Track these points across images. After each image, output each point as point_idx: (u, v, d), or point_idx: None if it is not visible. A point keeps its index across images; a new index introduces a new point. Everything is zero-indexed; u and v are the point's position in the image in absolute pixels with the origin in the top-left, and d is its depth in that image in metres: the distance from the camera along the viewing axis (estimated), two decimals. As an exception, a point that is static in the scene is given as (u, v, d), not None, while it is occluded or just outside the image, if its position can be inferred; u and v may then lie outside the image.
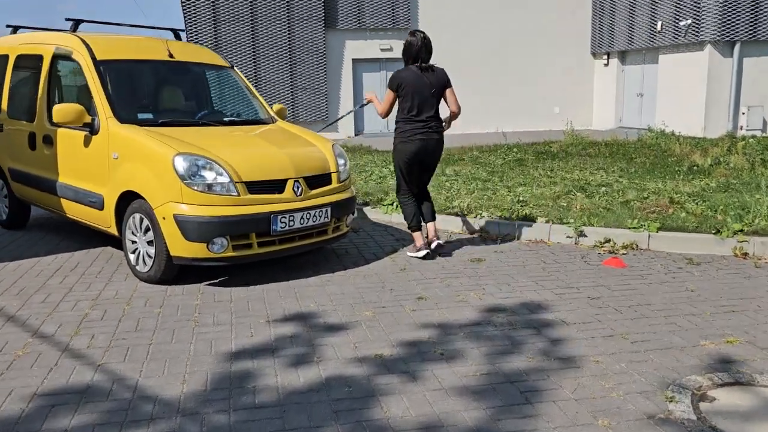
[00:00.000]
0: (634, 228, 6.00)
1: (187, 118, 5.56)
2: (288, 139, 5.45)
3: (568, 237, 6.12)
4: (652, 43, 18.30)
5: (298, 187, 4.88)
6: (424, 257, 5.48)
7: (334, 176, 5.25)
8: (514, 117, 20.15)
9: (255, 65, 18.93)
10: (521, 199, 7.52)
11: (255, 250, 4.71)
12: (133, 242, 4.87)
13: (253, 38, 18.84)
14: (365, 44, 19.95)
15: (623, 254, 5.68)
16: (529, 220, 6.47)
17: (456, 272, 5.15)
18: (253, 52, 18.89)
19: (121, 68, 5.43)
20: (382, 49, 20.01)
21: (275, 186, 4.78)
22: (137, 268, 4.87)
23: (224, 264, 4.69)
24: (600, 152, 12.75)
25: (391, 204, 7.24)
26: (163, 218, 4.52)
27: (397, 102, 5.42)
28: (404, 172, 5.44)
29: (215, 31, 18.56)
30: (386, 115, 5.45)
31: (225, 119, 5.71)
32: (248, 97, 6.19)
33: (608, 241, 5.95)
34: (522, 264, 5.39)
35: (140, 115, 5.22)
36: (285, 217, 4.74)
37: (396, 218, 7.07)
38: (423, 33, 5.38)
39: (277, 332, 3.86)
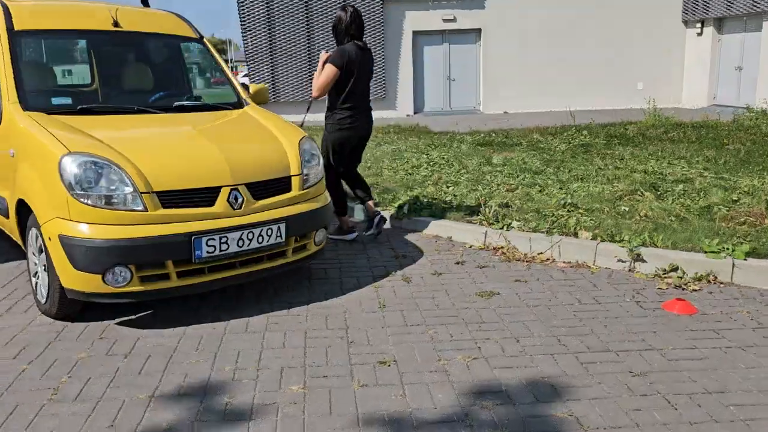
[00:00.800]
0: (713, 253, 4.42)
1: (124, 103, 4.41)
2: (241, 131, 4.25)
3: (620, 261, 4.60)
4: (755, 7, 15.72)
5: (236, 198, 3.65)
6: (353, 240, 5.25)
7: (295, 181, 3.99)
8: (589, 94, 18.09)
9: (308, 39, 17.79)
10: (571, 201, 6.00)
11: (174, 282, 3.53)
12: (36, 264, 3.83)
13: (306, 10, 17.66)
14: (427, 15, 18.37)
15: (695, 291, 4.13)
16: (571, 234, 4.98)
17: (452, 314, 3.79)
18: (307, 25, 17.72)
19: (43, 41, 4.36)
20: (445, 20, 18.38)
21: (201, 197, 3.57)
22: (37, 297, 3.83)
23: (129, 301, 3.55)
24: (685, 136, 10.78)
25: (402, 207, 5.91)
26: (49, 239, 3.43)
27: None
28: (337, 160, 5.09)
29: (267, 1, 17.51)
30: (321, 95, 4.90)
31: (174, 105, 4.52)
32: (215, 75, 5.00)
33: (675, 269, 4.39)
34: (547, 304, 3.96)
35: (55, 100, 4.15)
36: (214, 239, 3.53)
37: (408, 224, 5.75)
38: (353, 8, 5.01)
39: (148, 421, 2.68)
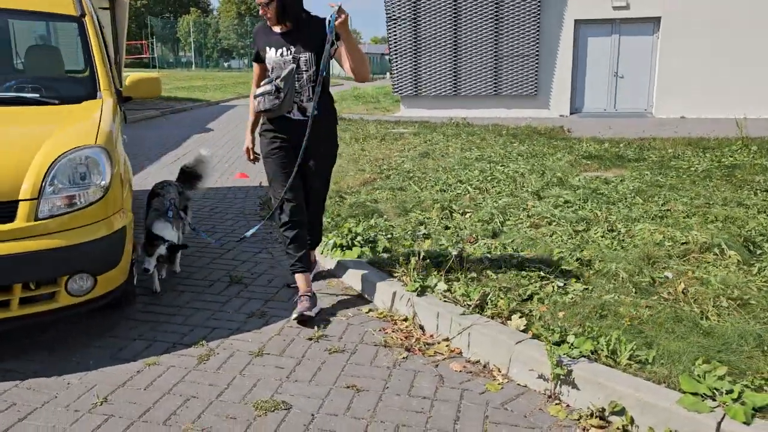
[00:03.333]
0: (693, 397, 2.40)
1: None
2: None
3: (540, 378, 2.75)
4: None
5: None
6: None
7: (23, 208, 2.87)
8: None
9: (455, 33, 16.34)
10: (582, 255, 4.08)
11: None
12: None
13: (454, 4, 16.19)
14: (593, 1, 15.81)
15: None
16: (503, 317, 3.18)
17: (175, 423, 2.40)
18: (454, 19, 16.27)
19: None
20: (616, 7, 15.66)
21: None
22: None
23: None
24: None
25: (342, 246, 4.41)
26: None
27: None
28: None
29: (414, -2, 16.42)
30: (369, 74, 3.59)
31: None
32: (80, 61, 4.07)
33: (618, 412, 2.47)
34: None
35: None
36: None
37: (339, 268, 4.29)
38: None
39: None
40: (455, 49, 16.49)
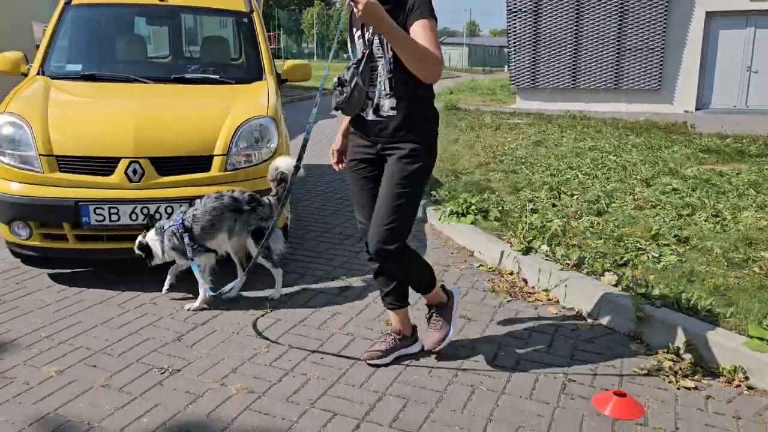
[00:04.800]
0: (759, 341, 2.80)
1: (141, 73, 4.59)
2: (190, 106, 4.15)
3: (629, 319, 3.24)
4: None
5: (135, 171, 3.58)
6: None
7: (216, 161, 3.74)
8: None
9: (576, 26, 16.35)
10: (680, 233, 4.44)
11: (71, 244, 3.64)
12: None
13: (577, -2, 16.19)
14: (728, -8, 15.27)
15: (686, 390, 2.69)
16: (597, 274, 3.67)
17: (315, 336, 3.14)
18: (578, 4, 16.28)
19: (89, 14, 4.84)
20: (754, -1, 15.03)
21: (99, 166, 3.59)
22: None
23: (36, 255, 3.79)
24: None
25: (458, 213, 5.00)
26: (-12, 189, 3.82)
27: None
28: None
29: (535, -13, 16.60)
30: (437, 76, 2.53)
31: (174, 76, 4.58)
32: (249, 49, 4.95)
33: (675, 352, 2.92)
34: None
35: (69, 67, 4.56)
36: (102, 209, 3.53)
37: (445, 228, 4.92)
38: None
39: None
40: (576, 41, 16.50)
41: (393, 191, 2.61)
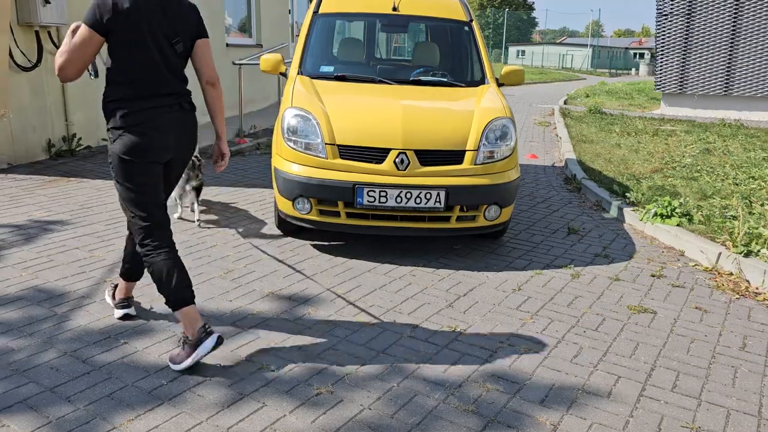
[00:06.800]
0: None
1: (383, 74, 5.21)
2: (442, 106, 4.67)
3: None
4: None
5: (402, 160, 4.17)
6: None
7: (468, 155, 4.26)
8: None
9: (734, 25, 15.78)
10: None
11: (342, 220, 4.31)
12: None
13: (736, 2, 15.62)
14: None
15: None
16: (828, 279, 3.85)
17: (572, 314, 3.58)
18: (736, 8, 15.70)
19: (334, 22, 5.53)
20: None
21: (373, 155, 4.20)
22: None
23: (310, 227, 4.47)
24: None
25: (662, 215, 5.26)
26: (274, 168, 4.56)
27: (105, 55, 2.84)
28: (135, 187, 2.86)
29: (689, -13, 16.14)
30: (66, 75, 2.71)
31: (411, 78, 5.17)
32: (471, 55, 5.45)
33: None
34: (704, 340, 3.35)
35: (323, 68, 5.25)
36: (374, 191, 4.15)
37: (658, 232, 5.20)
38: None
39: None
40: (731, 46, 15.90)
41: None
